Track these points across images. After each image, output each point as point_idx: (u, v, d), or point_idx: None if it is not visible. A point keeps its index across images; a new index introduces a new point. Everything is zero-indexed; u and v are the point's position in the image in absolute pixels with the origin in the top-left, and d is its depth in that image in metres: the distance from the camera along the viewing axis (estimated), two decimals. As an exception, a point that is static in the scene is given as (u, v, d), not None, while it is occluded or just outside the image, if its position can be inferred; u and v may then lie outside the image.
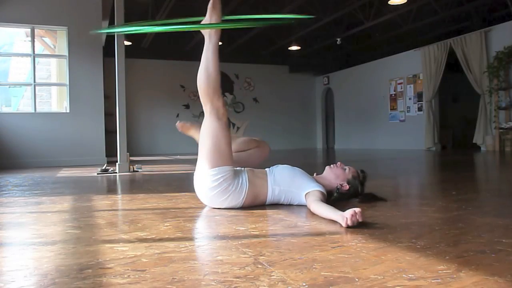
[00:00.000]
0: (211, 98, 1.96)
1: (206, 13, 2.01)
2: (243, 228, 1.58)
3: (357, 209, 1.54)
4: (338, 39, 10.91)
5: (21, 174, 4.84)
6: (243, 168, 2.09)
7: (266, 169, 2.14)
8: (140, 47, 11.34)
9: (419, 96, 10.35)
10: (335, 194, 2.08)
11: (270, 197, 2.06)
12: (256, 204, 2.04)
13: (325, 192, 1.96)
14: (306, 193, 1.94)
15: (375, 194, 2.17)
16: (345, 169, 2.14)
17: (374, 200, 2.14)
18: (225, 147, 1.96)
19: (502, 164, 5.22)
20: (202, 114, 2.06)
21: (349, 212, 1.54)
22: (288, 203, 2.07)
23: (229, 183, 1.95)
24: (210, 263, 1.14)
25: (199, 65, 2.00)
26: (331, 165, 2.18)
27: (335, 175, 2.13)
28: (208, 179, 1.95)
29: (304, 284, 0.94)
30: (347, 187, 2.09)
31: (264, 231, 1.54)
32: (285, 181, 2.04)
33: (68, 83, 6.74)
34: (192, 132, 2.45)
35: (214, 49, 1.98)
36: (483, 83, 8.60)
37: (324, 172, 2.18)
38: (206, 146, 1.96)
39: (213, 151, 1.94)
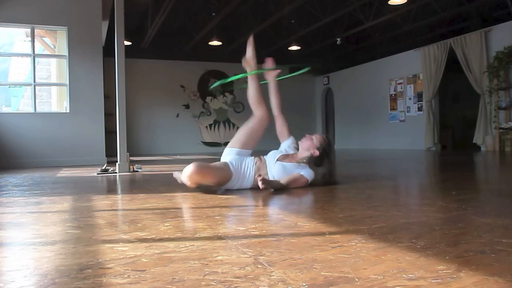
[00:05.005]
0: (255, 107, 2.92)
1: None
2: (243, 228, 1.57)
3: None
4: (338, 39, 10.91)
5: (21, 174, 4.84)
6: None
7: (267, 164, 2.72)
8: (140, 47, 11.33)
9: (419, 96, 10.35)
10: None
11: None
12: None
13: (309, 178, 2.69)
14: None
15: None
16: (312, 138, 2.75)
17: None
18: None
19: (502, 164, 5.22)
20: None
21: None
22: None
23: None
24: (210, 263, 1.13)
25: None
26: (302, 140, 2.77)
27: (306, 147, 2.74)
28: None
29: (304, 284, 0.94)
30: (317, 153, 2.71)
31: (264, 231, 1.54)
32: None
33: (68, 83, 6.73)
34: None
35: (252, 86, 2.98)
36: (483, 83, 8.60)
37: (300, 149, 2.79)
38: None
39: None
